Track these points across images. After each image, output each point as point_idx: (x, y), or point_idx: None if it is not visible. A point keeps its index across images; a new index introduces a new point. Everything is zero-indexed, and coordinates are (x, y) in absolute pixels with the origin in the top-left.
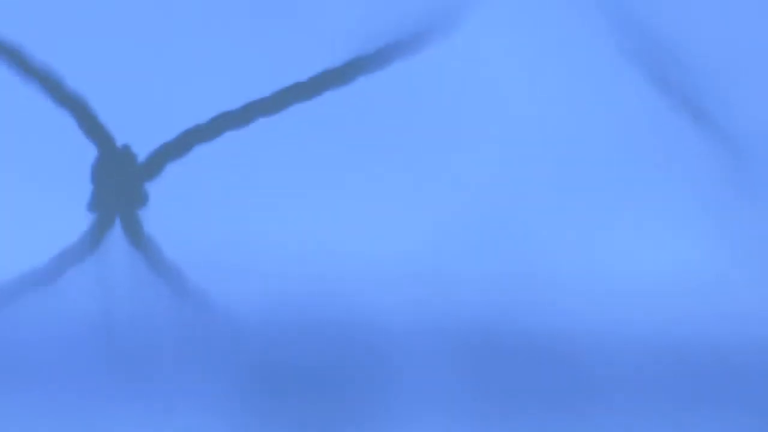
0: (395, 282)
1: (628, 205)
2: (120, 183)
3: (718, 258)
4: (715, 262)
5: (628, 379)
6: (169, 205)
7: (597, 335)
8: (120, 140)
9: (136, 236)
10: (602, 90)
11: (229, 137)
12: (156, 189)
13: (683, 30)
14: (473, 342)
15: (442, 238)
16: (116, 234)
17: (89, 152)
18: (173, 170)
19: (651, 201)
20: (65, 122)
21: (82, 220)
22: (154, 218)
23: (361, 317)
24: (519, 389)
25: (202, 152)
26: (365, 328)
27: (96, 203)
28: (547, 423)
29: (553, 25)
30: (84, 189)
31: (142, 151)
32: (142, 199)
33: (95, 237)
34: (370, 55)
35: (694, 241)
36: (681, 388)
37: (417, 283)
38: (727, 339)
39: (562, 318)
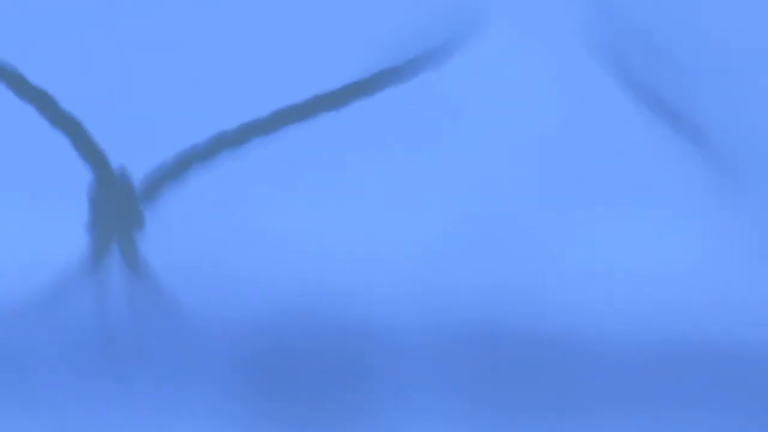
0: (394, 284)
1: (625, 209)
2: (117, 206)
3: (714, 260)
4: (712, 264)
5: (626, 380)
6: (165, 227)
7: (595, 336)
8: (116, 164)
9: (133, 258)
10: (599, 100)
11: (225, 158)
12: (152, 212)
13: (677, 43)
14: (472, 343)
15: (441, 241)
16: (114, 256)
17: (87, 176)
18: (169, 193)
19: (647, 204)
20: (62, 146)
21: (80, 243)
22: (150, 240)
23: (360, 320)
24: (517, 390)
25: (198, 174)
26: (365, 331)
27: (93, 226)
28: (546, 424)
29: (556, 41)
30: (82, 212)
31: (139, 175)
32: (139, 222)
33: (93, 259)
34: (364, 80)
35: (690, 244)
36: (680, 389)
37: (416, 285)
38: (724, 340)
39: (560, 319)
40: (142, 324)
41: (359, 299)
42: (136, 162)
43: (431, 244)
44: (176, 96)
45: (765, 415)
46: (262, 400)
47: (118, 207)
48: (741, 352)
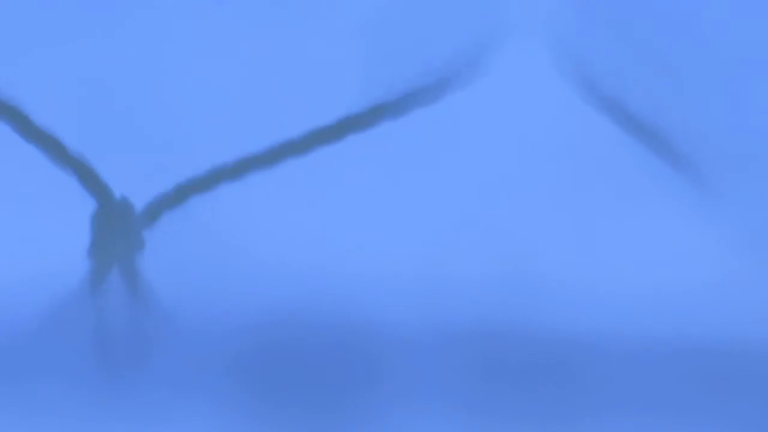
0: (395, 284)
1: (625, 210)
2: (117, 230)
3: (710, 259)
4: (708, 263)
5: (628, 382)
6: (165, 251)
7: (596, 337)
8: (118, 192)
9: (133, 281)
10: (595, 111)
11: (226, 184)
12: (153, 236)
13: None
14: (474, 343)
15: (442, 241)
16: (114, 280)
17: (88, 202)
18: (170, 218)
19: (647, 205)
20: (63, 173)
21: (81, 266)
22: (151, 264)
23: (362, 320)
24: (519, 391)
25: (199, 199)
26: (367, 331)
27: (94, 250)
28: (547, 422)
29: (556, 67)
30: (83, 236)
31: (140, 202)
32: (140, 246)
33: (93, 282)
34: (361, 114)
35: (686, 243)
36: (680, 392)
37: (416, 285)
38: (725, 340)
39: (562, 320)
40: (142, 346)
41: (361, 299)
42: (137, 187)
43: (433, 244)
44: (178, 123)
45: (765, 415)
46: (263, 403)
47: (118, 230)
48: (740, 353)
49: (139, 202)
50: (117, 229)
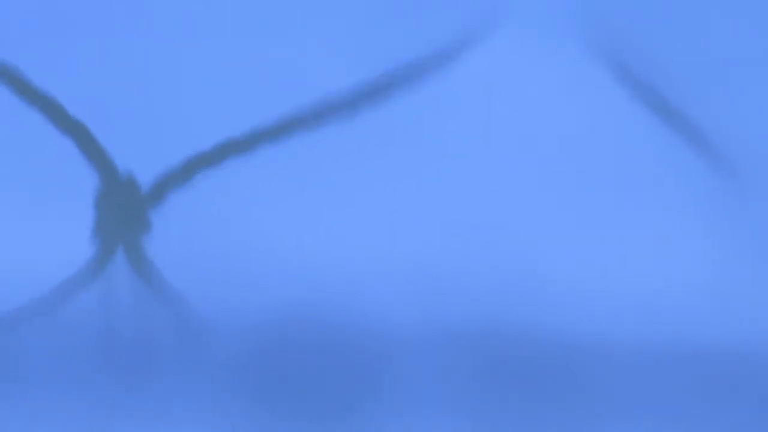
0: (395, 284)
1: (628, 210)
2: (123, 210)
3: (714, 261)
4: (712, 265)
5: (629, 383)
6: (171, 231)
7: (597, 338)
8: (124, 168)
9: (139, 262)
10: (603, 103)
11: (232, 164)
12: (159, 216)
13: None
14: (474, 343)
15: (442, 240)
16: (119, 260)
17: (94, 179)
18: (176, 197)
19: (650, 206)
20: (70, 150)
21: (86, 247)
22: (156, 244)
23: (361, 319)
24: (519, 391)
25: (204, 179)
26: (366, 330)
27: (100, 230)
28: (546, 422)
29: (559, 46)
30: (88, 216)
31: (146, 179)
32: (146, 226)
33: (99, 263)
34: (370, 86)
35: (690, 245)
36: (681, 394)
37: (416, 284)
38: (727, 341)
39: (563, 320)
40: (147, 327)
41: (362, 298)
42: (143, 166)
43: (434, 244)
44: (184, 101)
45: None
46: (267, 400)
47: (124, 211)
48: (744, 355)
49: (145, 180)
50: (122, 209)
